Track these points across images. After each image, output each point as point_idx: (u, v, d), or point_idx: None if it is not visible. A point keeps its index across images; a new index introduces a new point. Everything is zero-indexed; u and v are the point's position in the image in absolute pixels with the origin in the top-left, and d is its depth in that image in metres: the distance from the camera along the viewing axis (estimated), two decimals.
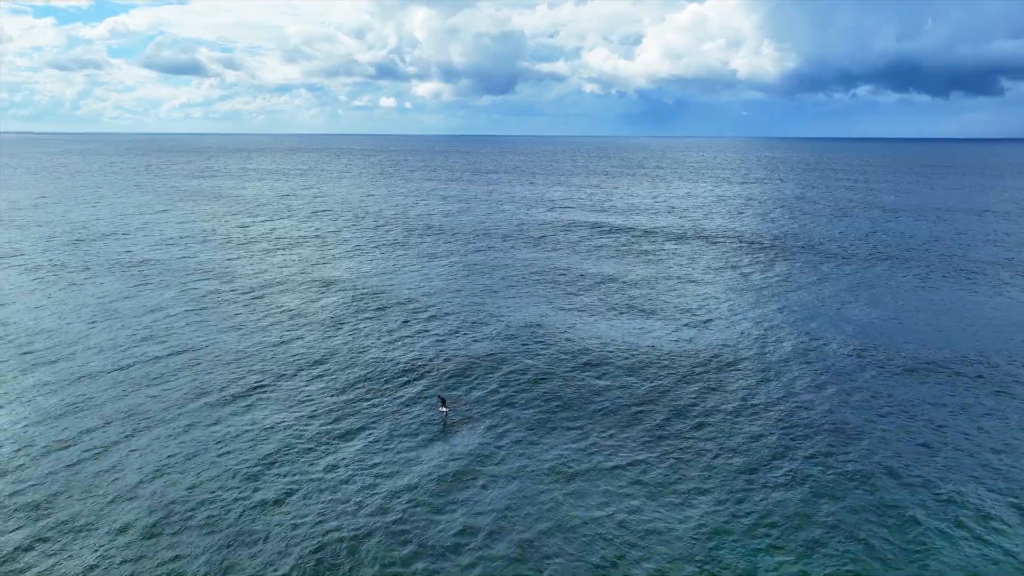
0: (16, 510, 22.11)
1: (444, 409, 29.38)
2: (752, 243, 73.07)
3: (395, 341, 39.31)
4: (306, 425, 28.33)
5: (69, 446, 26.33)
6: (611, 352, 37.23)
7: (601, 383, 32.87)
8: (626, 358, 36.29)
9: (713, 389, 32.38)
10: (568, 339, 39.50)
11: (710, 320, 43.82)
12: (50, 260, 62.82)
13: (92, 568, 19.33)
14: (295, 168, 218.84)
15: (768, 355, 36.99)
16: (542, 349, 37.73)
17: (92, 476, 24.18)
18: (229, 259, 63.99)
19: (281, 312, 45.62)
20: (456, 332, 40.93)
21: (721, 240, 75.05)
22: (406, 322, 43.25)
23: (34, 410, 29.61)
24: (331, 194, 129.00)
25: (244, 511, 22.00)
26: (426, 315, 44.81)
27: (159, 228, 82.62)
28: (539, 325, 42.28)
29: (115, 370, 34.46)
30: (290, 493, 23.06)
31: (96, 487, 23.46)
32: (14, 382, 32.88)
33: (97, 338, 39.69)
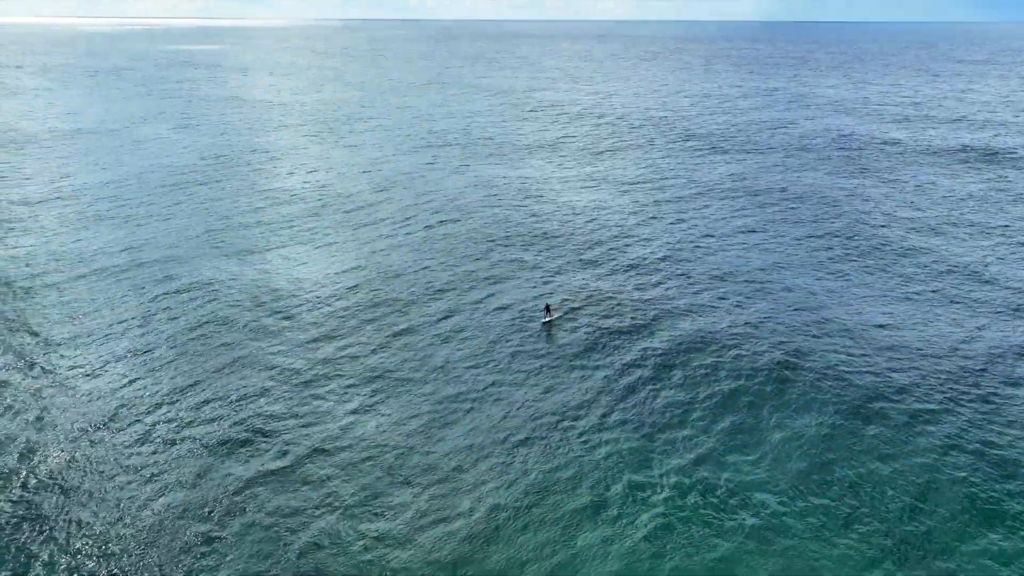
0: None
1: (549, 317, 29.93)
2: None
3: (657, 294, 38.80)
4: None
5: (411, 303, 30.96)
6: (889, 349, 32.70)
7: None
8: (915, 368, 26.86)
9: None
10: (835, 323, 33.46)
11: None
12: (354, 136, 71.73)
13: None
14: (586, 55, 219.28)
15: None
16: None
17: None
18: (502, 155, 67.34)
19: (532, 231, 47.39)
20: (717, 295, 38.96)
21: None
22: (679, 274, 42.22)
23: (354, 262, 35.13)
24: (620, 88, 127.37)
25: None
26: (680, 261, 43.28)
27: (446, 113, 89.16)
28: (818, 299, 35.74)
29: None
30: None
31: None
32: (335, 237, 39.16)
33: (395, 208, 45.33)
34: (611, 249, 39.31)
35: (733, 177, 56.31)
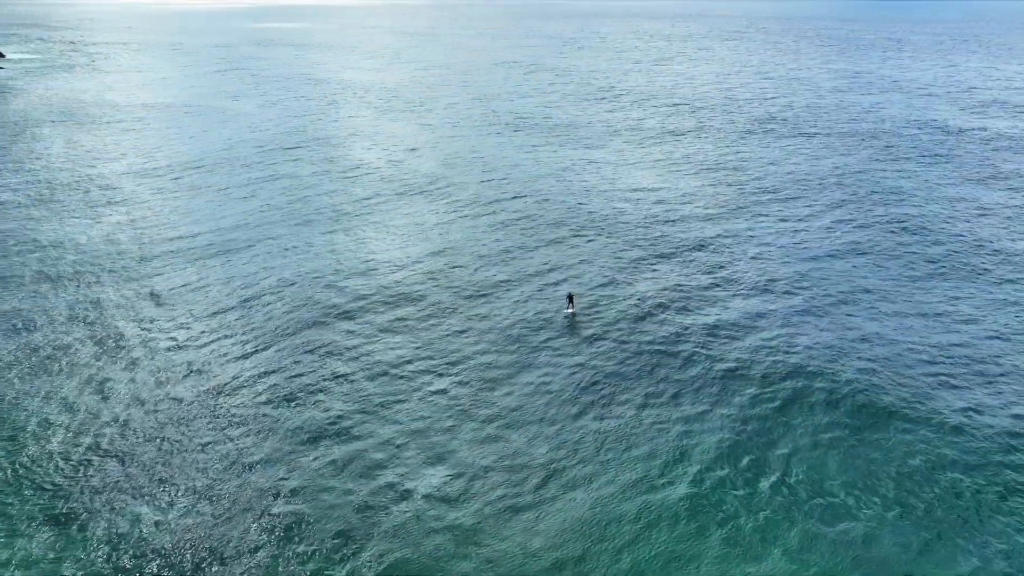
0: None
1: (571, 309, 28.86)
2: None
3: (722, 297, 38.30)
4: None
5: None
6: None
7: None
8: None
9: None
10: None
11: None
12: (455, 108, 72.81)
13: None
14: (667, 34, 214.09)
15: None
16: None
17: None
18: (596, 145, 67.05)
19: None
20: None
21: None
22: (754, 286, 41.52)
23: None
24: (702, 70, 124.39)
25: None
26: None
27: (522, 95, 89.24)
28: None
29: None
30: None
31: None
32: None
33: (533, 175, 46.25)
34: (683, 239, 38.95)
35: (819, 166, 54.59)
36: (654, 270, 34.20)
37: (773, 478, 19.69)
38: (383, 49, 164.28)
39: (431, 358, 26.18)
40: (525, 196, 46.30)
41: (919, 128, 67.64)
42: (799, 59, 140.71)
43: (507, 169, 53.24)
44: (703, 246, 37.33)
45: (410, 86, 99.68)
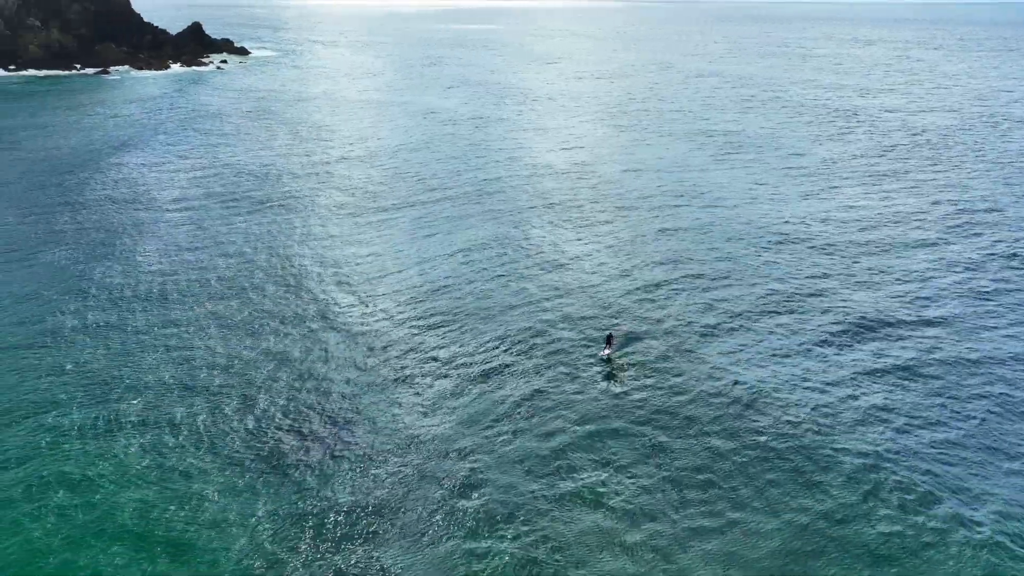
0: None
1: (608, 350, 26.45)
2: None
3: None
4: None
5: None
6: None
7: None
8: None
9: None
10: None
11: None
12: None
13: None
14: (877, 40, 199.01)
15: None
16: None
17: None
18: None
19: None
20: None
21: None
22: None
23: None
24: (916, 83, 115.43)
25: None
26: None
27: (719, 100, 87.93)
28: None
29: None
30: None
31: None
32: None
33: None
34: (863, 285, 37.34)
35: None
36: (831, 320, 33.73)
37: None
38: (570, 53, 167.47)
39: (608, 355, 27.57)
40: (708, 205, 46.28)
41: None
42: None
43: (693, 180, 52.51)
44: (886, 302, 36.00)
45: (597, 90, 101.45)
